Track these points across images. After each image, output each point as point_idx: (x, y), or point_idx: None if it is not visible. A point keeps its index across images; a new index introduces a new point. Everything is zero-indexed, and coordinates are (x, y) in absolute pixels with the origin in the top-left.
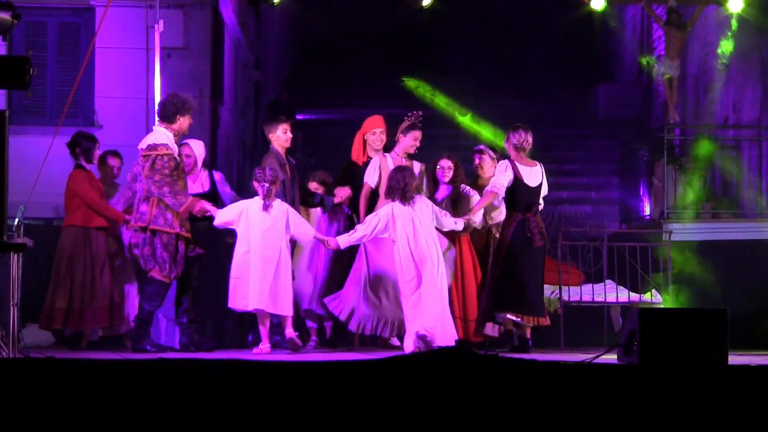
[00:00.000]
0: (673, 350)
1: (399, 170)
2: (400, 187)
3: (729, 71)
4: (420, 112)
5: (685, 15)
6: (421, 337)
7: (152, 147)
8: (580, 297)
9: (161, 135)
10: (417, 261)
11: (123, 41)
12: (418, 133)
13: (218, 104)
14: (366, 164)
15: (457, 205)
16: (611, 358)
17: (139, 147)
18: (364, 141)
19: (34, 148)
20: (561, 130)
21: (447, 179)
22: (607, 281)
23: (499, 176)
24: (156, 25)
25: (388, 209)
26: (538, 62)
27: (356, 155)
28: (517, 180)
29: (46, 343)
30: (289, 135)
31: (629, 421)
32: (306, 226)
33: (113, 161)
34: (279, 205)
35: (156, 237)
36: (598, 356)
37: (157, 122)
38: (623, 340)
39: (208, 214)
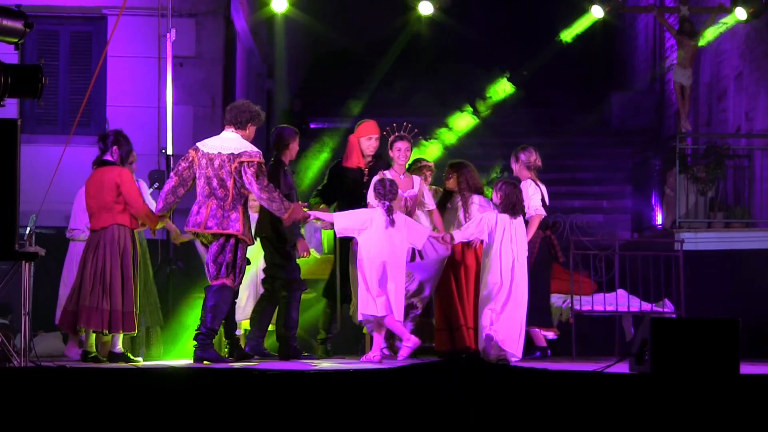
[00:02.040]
0: (684, 360)
1: (513, 185)
2: (513, 202)
3: (742, 80)
4: (407, 124)
5: (698, 24)
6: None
7: (251, 154)
8: (592, 306)
9: (242, 141)
10: (502, 271)
11: (135, 50)
12: (400, 144)
13: None
14: (360, 169)
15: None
16: (623, 367)
17: (216, 152)
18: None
19: (46, 156)
20: (573, 138)
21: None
22: (619, 291)
23: (534, 197)
24: (168, 34)
25: (493, 216)
26: (551, 70)
27: (355, 160)
28: (541, 199)
29: (57, 351)
30: (297, 147)
31: (641, 431)
32: (420, 231)
33: None
34: (400, 218)
35: (239, 245)
36: (610, 365)
37: (229, 129)
38: (635, 350)
39: (311, 219)
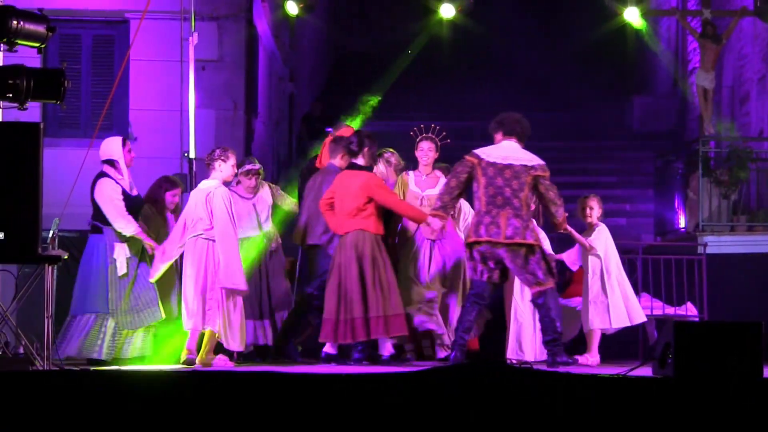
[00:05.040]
0: (707, 364)
1: None
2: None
3: (764, 83)
4: (434, 126)
5: (720, 27)
6: None
7: (543, 166)
8: None
9: (529, 153)
10: None
11: (157, 53)
12: (424, 144)
13: (252, 117)
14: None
15: None
16: (646, 371)
17: (507, 162)
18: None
19: (69, 160)
20: (596, 143)
21: None
22: (642, 294)
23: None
24: (190, 38)
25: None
26: (573, 74)
27: (319, 160)
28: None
29: (79, 355)
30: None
31: None
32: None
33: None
34: None
35: (537, 251)
36: (632, 369)
37: (512, 140)
38: (658, 353)
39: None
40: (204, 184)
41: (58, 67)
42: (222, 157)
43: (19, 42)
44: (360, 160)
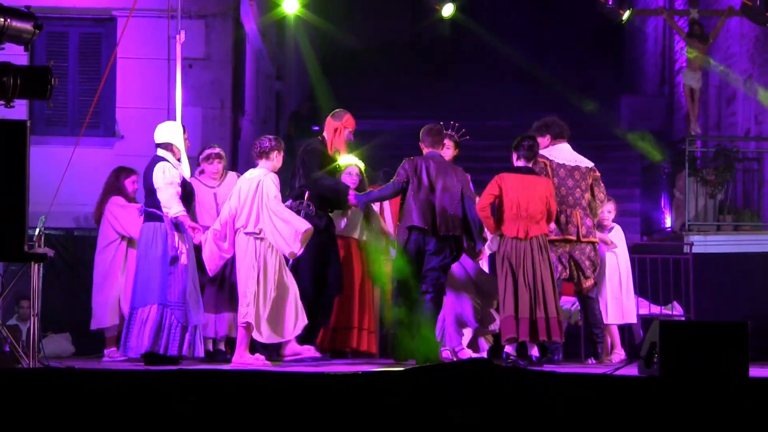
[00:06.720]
0: (693, 363)
1: None
2: None
3: (752, 83)
4: (454, 123)
5: (708, 27)
6: None
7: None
8: None
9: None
10: None
11: (144, 51)
12: (445, 142)
13: (239, 115)
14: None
15: None
16: (632, 370)
17: (575, 164)
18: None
19: (56, 158)
20: (583, 142)
21: None
22: None
23: None
24: (177, 36)
25: None
26: (560, 73)
27: (339, 145)
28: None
29: (66, 353)
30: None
31: None
32: None
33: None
34: None
35: (597, 248)
36: (618, 368)
37: (564, 142)
38: (644, 353)
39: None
40: (251, 173)
41: (45, 65)
42: (278, 148)
43: (6, 39)
44: (532, 164)
